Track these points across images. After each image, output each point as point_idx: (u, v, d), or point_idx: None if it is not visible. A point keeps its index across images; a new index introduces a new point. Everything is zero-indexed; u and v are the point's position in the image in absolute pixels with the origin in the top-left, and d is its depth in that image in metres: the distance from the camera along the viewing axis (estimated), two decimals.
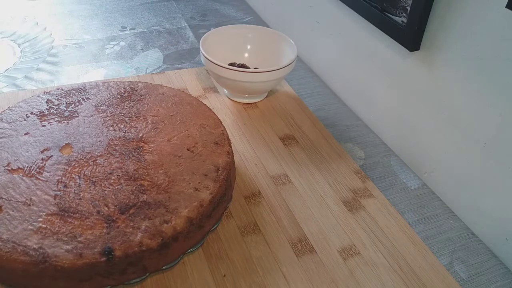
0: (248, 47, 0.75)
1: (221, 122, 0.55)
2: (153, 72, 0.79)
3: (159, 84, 0.61)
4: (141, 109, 0.56)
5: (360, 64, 0.73)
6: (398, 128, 0.67)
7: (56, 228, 0.41)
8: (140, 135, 0.52)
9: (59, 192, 0.45)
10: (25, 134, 0.52)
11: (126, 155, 0.49)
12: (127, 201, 0.44)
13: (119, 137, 0.52)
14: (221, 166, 0.49)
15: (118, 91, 0.60)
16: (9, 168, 0.47)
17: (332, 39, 0.79)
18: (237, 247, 0.49)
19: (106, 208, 0.44)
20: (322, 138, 0.66)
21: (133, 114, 0.55)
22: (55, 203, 0.44)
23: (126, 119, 0.55)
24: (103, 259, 0.40)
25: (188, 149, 0.50)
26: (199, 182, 0.47)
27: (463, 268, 0.51)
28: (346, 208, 0.55)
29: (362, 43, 0.71)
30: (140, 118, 0.55)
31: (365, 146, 0.67)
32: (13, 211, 0.43)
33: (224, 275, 0.46)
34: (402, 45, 0.60)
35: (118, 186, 0.46)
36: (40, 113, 0.55)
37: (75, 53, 0.83)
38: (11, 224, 0.42)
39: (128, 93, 0.59)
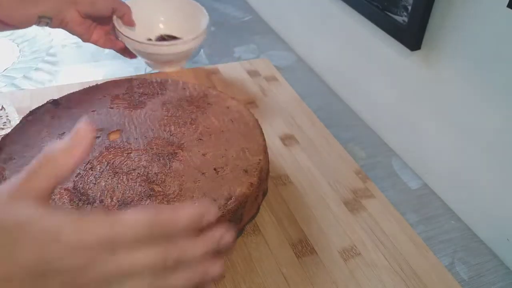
0: (162, 18, 0.75)
1: (265, 151, 0.53)
2: (152, 72, 0.78)
3: (231, 97, 0.60)
4: (199, 116, 0.56)
5: (361, 63, 0.72)
6: (399, 128, 0.66)
7: (60, 203, 0.44)
8: (182, 141, 0.52)
9: (83, 171, 0.47)
10: (92, 111, 0.56)
11: (158, 156, 0.50)
12: (130, 200, 0.44)
13: (163, 138, 0.52)
14: (235, 196, 0.46)
15: (191, 94, 0.60)
16: (61, 137, 0.51)
17: (333, 38, 0.79)
18: (237, 248, 0.49)
19: (109, 200, 0.44)
20: (322, 138, 0.65)
21: (189, 120, 0.55)
22: (73, 180, 0.46)
23: (181, 122, 0.55)
24: None
25: (215, 169, 0.49)
26: None
27: (464, 269, 0.50)
28: (347, 209, 0.54)
29: (362, 42, 0.70)
30: (193, 126, 0.54)
31: (365, 146, 0.67)
32: None
33: (224, 276, 0.46)
34: (403, 44, 0.59)
35: (132, 184, 0.46)
36: (115, 96, 0.59)
37: (74, 52, 0.83)
38: None
39: (199, 98, 0.59)
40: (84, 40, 0.63)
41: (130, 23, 0.66)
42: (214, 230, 0.31)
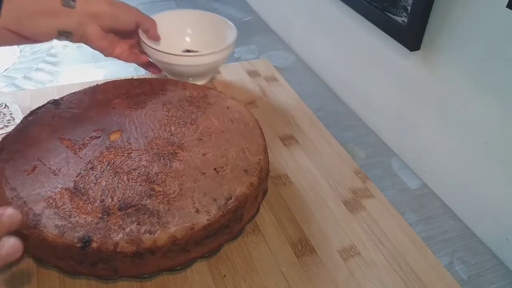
0: (189, 31, 0.75)
1: (265, 151, 0.53)
2: None
3: (230, 97, 0.60)
4: (199, 117, 0.56)
5: (360, 64, 0.73)
6: (398, 128, 0.67)
7: (61, 203, 0.44)
8: (182, 141, 0.52)
9: (84, 171, 0.47)
10: (93, 111, 0.56)
11: (158, 156, 0.50)
12: (131, 200, 0.45)
13: (163, 138, 0.52)
14: (235, 195, 0.46)
15: (192, 94, 0.60)
16: (62, 137, 0.52)
17: (332, 39, 0.79)
18: (237, 247, 0.49)
19: (109, 200, 0.44)
20: (322, 138, 0.66)
21: (190, 120, 0.56)
22: (74, 180, 0.46)
23: (181, 122, 0.55)
24: (79, 245, 0.41)
25: (215, 168, 0.49)
26: (204, 205, 0.45)
27: (463, 269, 0.51)
28: (347, 209, 0.55)
29: (362, 42, 0.70)
30: (193, 126, 0.55)
31: (365, 146, 0.67)
32: (41, 175, 0.47)
33: (224, 276, 0.46)
34: (402, 45, 0.60)
35: (133, 183, 0.46)
36: (115, 96, 0.59)
37: (74, 53, 0.83)
38: (33, 186, 0.46)
39: (199, 98, 0.60)
40: (106, 55, 0.62)
41: (155, 38, 0.65)
42: None
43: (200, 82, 0.72)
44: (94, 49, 0.61)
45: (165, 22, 0.70)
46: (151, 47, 0.64)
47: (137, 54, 0.66)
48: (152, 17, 0.67)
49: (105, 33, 0.59)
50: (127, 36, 0.64)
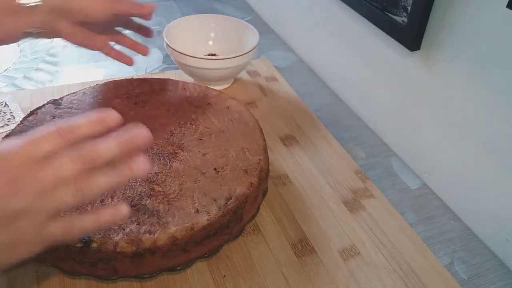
0: (212, 35, 0.76)
1: (265, 151, 0.53)
2: (152, 72, 0.79)
3: (231, 97, 0.60)
4: (199, 117, 0.56)
5: (360, 63, 0.73)
6: (398, 128, 0.66)
7: None
8: (182, 142, 0.52)
9: None
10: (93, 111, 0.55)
11: (158, 156, 0.50)
12: (131, 200, 0.45)
13: (163, 138, 0.52)
14: (235, 195, 0.46)
15: (191, 94, 0.60)
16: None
17: (332, 39, 0.79)
18: (237, 247, 0.49)
19: (109, 200, 0.44)
20: (322, 138, 0.66)
21: (189, 120, 0.56)
22: None
23: (181, 122, 0.55)
24: (79, 245, 0.41)
25: (215, 168, 0.49)
26: (204, 205, 0.45)
27: (463, 269, 0.51)
28: (347, 209, 0.55)
29: (362, 42, 0.70)
30: (193, 126, 0.55)
31: (365, 146, 0.67)
32: None
33: (224, 276, 0.46)
34: (402, 45, 0.60)
35: (133, 183, 0.46)
36: (115, 96, 0.59)
37: (74, 53, 0.83)
38: None
39: (199, 98, 0.60)
40: (90, 49, 0.60)
41: (147, 11, 0.59)
42: (125, 129, 0.34)
43: (223, 86, 0.73)
44: (73, 44, 0.58)
45: (189, 27, 0.73)
46: (176, 51, 0.65)
47: (120, 54, 0.62)
48: (175, 21, 0.69)
49: (78, 28, 0.56)
50: (107, 29, 0.60)
